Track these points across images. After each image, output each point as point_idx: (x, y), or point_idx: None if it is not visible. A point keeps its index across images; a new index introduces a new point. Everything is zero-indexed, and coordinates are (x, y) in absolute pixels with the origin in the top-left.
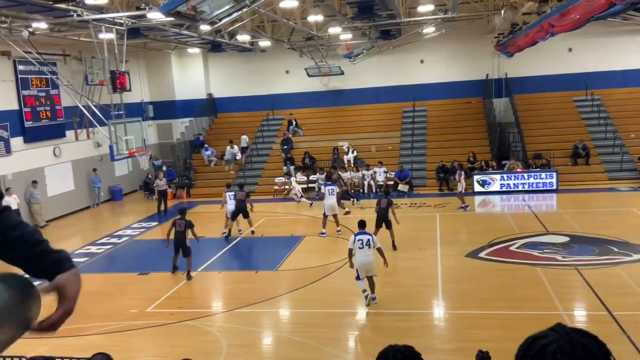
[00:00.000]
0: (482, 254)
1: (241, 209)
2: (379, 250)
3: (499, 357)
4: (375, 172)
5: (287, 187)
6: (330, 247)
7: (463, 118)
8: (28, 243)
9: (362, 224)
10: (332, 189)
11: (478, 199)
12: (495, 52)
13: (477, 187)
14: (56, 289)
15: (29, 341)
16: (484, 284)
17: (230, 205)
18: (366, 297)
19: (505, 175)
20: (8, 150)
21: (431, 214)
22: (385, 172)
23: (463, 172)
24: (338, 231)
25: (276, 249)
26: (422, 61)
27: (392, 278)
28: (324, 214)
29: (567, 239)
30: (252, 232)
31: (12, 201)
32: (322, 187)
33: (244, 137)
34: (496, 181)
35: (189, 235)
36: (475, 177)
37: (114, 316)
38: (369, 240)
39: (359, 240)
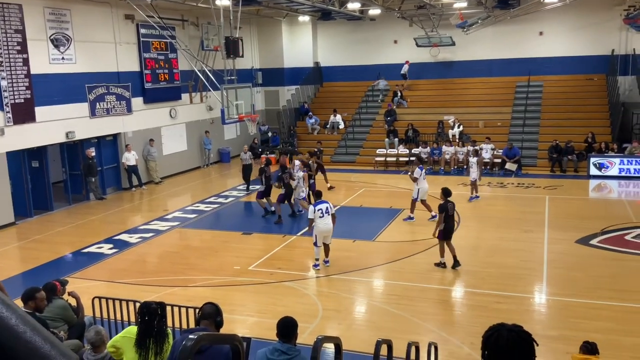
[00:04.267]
0: (593, 241)
1: (289, 191)
2: (333, 216)
3: (607, 350)
4: (481, 149)
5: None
6: (429, 221)
7: (583, 95)
8: None
9: (319, 194)
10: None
11: (593, 182)
12: (624, 25)
13: (594, 171)
14: None
15: (142, 288)
16: (593, 272)
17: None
18: (315, 266)
19: (625, 160)
20: (129, 110)
21: (540, 195)
22: (492, 149)
23: (476, 159)
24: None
25: (374, 219)
26: (541, 33)
27: (495, 259)
28: (416, 198)
29: None
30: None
31: (131, 157)
32: (418, 169)
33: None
34: (615, 165)
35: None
36: (592, 160)
37: (218, 271)
38: (327, 207)
39: (319, 209)
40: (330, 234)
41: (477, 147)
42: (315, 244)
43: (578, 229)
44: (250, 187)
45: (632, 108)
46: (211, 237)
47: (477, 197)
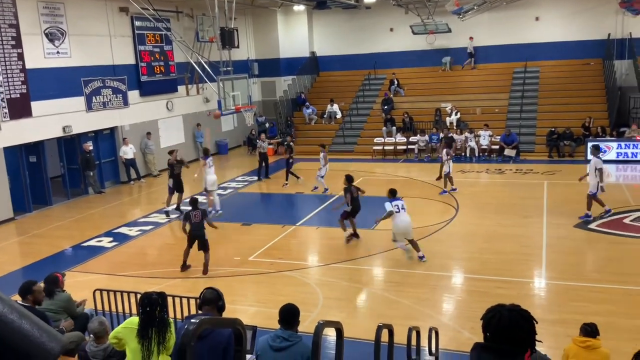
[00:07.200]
0: (592, 225)
1: (198, 236)
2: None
3: (607, 332)
4: (479, 135)
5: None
6: (428, 209)
7: (579, 80)
8: None
9: (393, 192)
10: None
11: None
12: (620, 9)
13: (591, 155)
14: None
15: (142, 280)
16: (592, 256)
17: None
18: (420, 258)
19: (622, 144)
20: (125, 103)
21: (539, 181)
22: (490, 135)
23: (445, 150)
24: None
25: (373, 208)
26: (537, 18)
27: (493, 245)
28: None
29: None
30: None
31: (128, 151)
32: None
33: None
34: (612, 149)
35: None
36: (590, 144)
37: (219, 262)
38: (402, 204)
39: (395, 205)
40: (410, 229)
41: (447, 139)
42: (394, 240)
43: (576, 213)
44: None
45: (628, 92)
46: (210, 229)
47: (454, 189)
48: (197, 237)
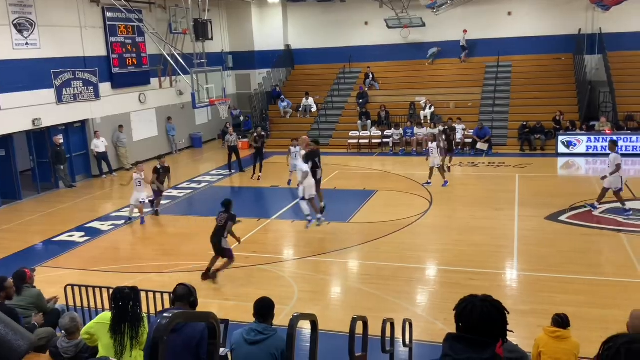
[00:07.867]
0: (562, 218)
1: (212, 242)
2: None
3: (577, 322)
4: (442, 130)
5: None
6: (402, 202)
7: (551, 75)
8: None
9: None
10: None
11: (562, 160)
12: (590, 5)
13: (562, 149)
14: None
15: (115, 275)
16: (563, 247)
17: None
18: (310, 221)
19: (592, 137)
20: (97, 95)
21: (510, 174)
22: (463, 129)
23: (435, 144)
24: None
25: (348, 201)
26: (509, 13)
27: (466, 237)
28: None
29: None
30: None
31: (100, 144)
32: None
33: None
34: (582, 143)
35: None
36: (560, 138)
37: (193, 256)
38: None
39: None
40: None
41: (434, 132)
42: (302, 198)
43: (547, 206)
44: (232, 170)
45: (598, 86)
46: (186, 222)
47: (428, 182)
48: (212, 242)
